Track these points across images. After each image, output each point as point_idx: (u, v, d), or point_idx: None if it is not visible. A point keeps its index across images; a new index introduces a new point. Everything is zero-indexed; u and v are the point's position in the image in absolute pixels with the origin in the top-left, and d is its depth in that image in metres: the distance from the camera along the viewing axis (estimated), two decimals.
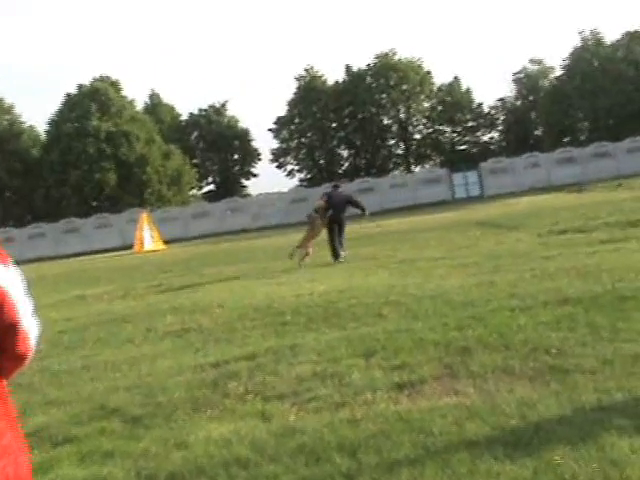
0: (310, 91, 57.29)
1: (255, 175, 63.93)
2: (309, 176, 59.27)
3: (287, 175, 60.67)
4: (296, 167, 60.37)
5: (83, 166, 47.22)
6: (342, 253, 12.28)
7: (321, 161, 59.36)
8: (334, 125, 58.45)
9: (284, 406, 3.88)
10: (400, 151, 59.37)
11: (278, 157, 60.43)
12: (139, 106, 56.65)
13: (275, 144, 60.58)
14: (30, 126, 52.74)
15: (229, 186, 59.52)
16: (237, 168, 63.23)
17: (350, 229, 12.91)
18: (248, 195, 56.51)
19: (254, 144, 63.18)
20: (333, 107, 56.91)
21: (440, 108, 57.90)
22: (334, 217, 12.45)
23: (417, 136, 59.24)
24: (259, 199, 45.18)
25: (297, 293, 8.19)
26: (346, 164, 59.63)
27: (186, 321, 7.21)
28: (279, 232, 28.97)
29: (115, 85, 53.01)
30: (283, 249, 14.75)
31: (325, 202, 12.58)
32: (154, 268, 17.48)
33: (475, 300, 6.18)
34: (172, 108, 61.92)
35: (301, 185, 56.86)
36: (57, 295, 12.63)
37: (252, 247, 21.62)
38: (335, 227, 12.46)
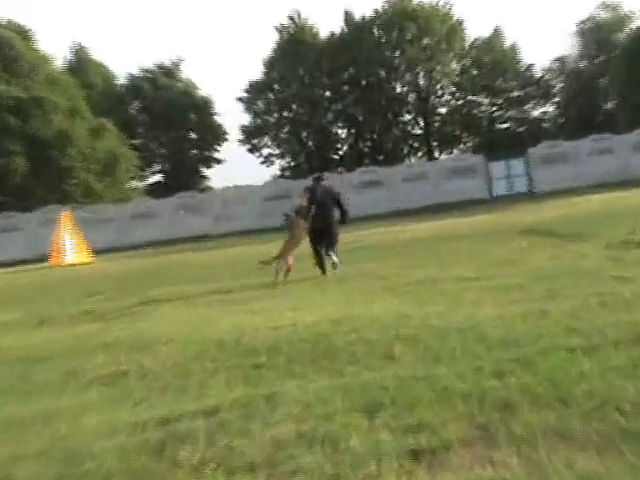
0: (296, 46, 57.37)
1: (219, 162, 64.32)
2: (293, 164, 59.36)
3: (263, 162, 60.91)
4: (276, 151, 60.68)
5: None
6: (335, 270, 12.84)
7: (310, 143, 59.55)
8: (328, 94, 58.62)
9: None
10: (419, 130, 59.67)
11: (251, 137, 60.47)
12: (59, 64, 56.65)
13: (247, 119, 60.74)
14: None
15: (183, 177, 59.65)
16: (194, 152, 63.22)
17: (347, 236, 12.74)
18: (209, 189, 56.54)
19: (218, 119, 63.36)
20: (327, 69, 57.09)
21: (474, 72, 58.15)
22: (318, 217, 13.00)
23: (442, 110, 59.75)
24: (224, 195, 45.38)
25: (276, 324, 8.28)
26: (345, 147, 59.72)
27: (123, 361, 7.26)
28: (251, 240, 28.97)
29: (25, 34, 52.83)
30: (256, 262, 14.82)
31: (308, 200, 13.11)
32: (79, 288, 17.57)
33: (520, 336, 6.22)
34: (105, 68, 61.89)
35: (282, 176, 56.87)
36: None
37: (214, 260, 21.71)
38: (321, 234, 13.07)
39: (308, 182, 14.89)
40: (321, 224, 12.97)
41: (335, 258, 13.06)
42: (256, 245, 24.66)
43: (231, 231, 39.69)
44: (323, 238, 13.08)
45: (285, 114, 58.95)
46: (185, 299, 12.24)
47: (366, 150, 58.31)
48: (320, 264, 13.17)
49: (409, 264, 13.44)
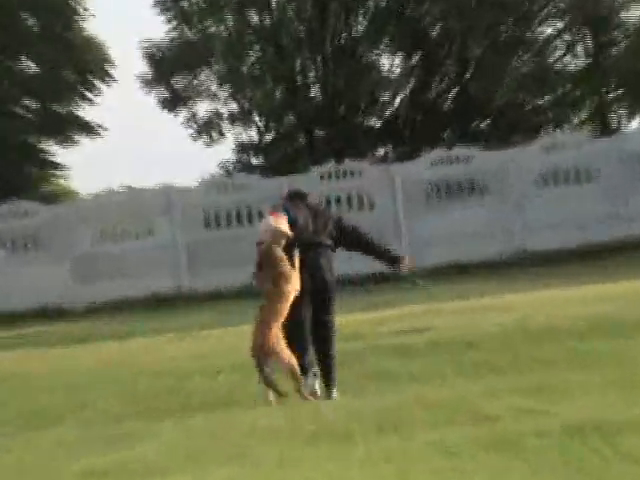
0: None
1: (94, 130, 28.45)
2: (269, 137, 28.62)
3: (198, 134, 28.44)
4: (229, 108, 28.22)
5: None
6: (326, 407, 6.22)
7: (310, 90, 26.99)
8: None
9: None
10: (574, 67, 26.54)
11: (169, 74, 27.92)
12: None
13: (161, 30, 26.77)
14: None
15: (5, 166, 25.44)
16: (34, 105, 27.74)
17: (391, 316, 10.03)
18: (69, 195, 29.84)
19: (93, 29, 27.28)
20: None
21: None
22: (306, 267, 6.44)
23: (626, 20, 24.76)
24: (104, 210, 19.72)
25: None
26: (394, 102, 27.16)
27: None
28: (168, 320, 15.05)
29: None
30: (198, 377, 8.01)
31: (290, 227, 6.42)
32: None
33: None
34: None
35: (243, 165, 28.00)
36: None
37: (82, 370, 9.67)
38: (309, 299, 6.51)
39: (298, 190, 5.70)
40: (314, 280, 6.56)
41: (335, 392, 6.49)
42: (185, 331, 12.96)
43: (119, 297, 19.34)
44: (310, 308, 6.62)
45: (252, 21, 27.04)
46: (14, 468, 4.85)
47: (445, 108, 28.68)
48: (299, 363, 6.41)
49: (542, 385, 5.87)
